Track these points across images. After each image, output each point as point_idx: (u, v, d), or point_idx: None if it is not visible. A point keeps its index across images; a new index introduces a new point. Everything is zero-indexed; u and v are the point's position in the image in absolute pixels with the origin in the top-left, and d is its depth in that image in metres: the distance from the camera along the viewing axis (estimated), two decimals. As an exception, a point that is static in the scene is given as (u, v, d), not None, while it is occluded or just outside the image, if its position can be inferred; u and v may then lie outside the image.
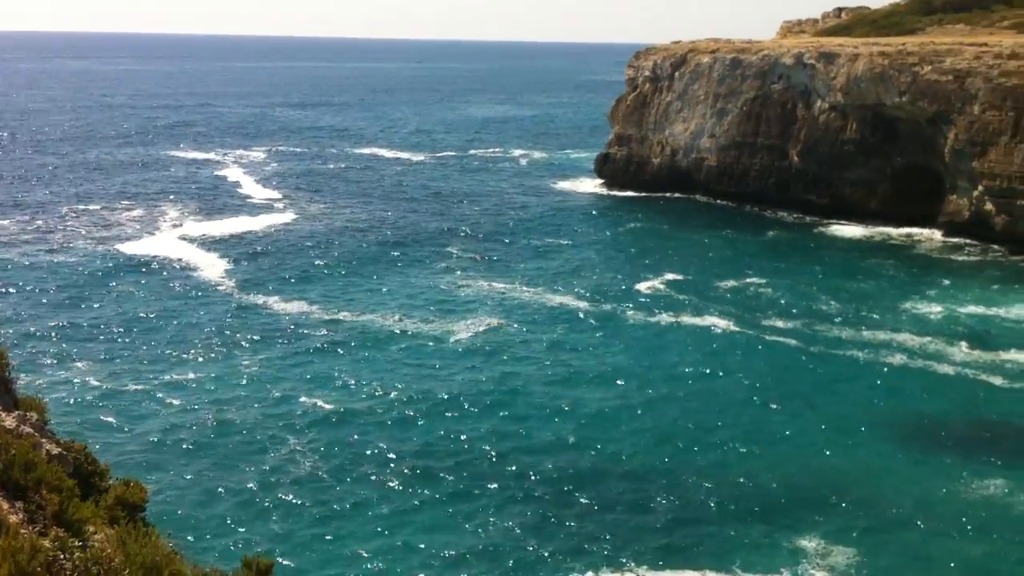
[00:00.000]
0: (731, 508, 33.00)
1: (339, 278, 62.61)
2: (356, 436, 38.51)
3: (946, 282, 62.61)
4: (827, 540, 30.86)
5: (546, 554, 30.21)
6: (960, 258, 69.92)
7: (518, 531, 31.53)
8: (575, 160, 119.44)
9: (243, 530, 31.27)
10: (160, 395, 42.06)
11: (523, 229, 79.15)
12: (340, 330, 51.86)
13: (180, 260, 65.79)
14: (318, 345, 49.41)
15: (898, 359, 47.77)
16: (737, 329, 52.44)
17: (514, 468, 35.93)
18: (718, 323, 53.47)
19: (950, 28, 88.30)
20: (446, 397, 42.63)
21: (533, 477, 35.25)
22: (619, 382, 44.80)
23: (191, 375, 44.48)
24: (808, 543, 30.75)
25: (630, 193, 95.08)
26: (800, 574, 29.16)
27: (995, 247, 71.03)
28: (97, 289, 58.09)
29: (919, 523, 32.15)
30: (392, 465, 36.04)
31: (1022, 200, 69.69)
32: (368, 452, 37.06)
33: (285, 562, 28.87)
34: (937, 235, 75.57)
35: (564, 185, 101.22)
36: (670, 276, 63.68)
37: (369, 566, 29.49)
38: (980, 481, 35.03)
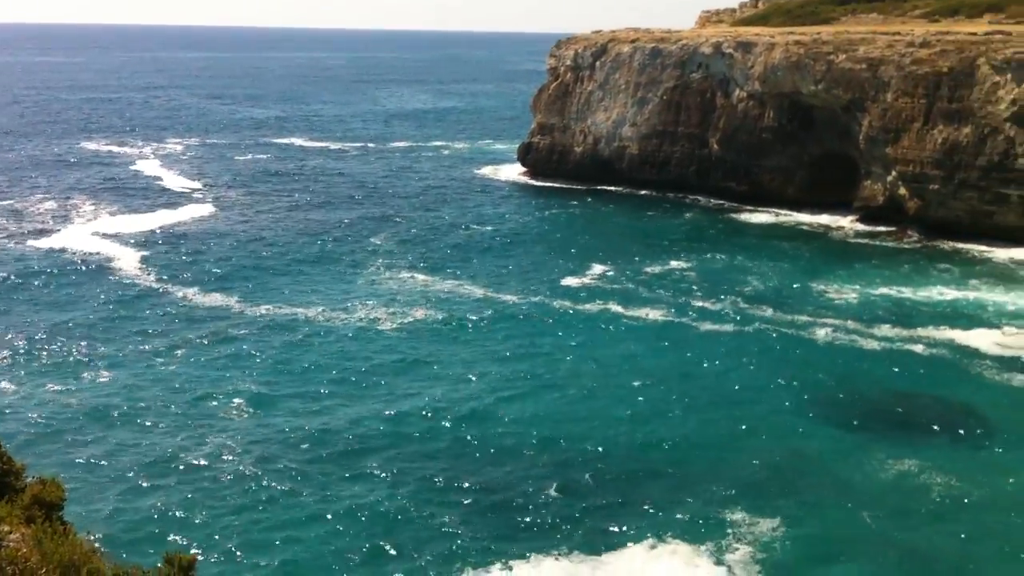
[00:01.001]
0: (660, 487, 33.48)
1: (261, 269, 61.83)
2: (277, 429, 38.08)
3: (862, 265, 64.14)
4: (752, 513, 31.55)
5: (477, 541, 30.25)
6: (875, 242, 71.63)
7: (446, 520, 31.52)
8: (499, 150, 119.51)
9: (164, 526, 30.78)
10: (75, 392, 41.15)
11: (446, 219, 79.02)
12: (262, 322, 51.30)
13: (96, 254, 64.35)
14: (240, 338, 48.80)
15: (819, 340, 48.85)
16: (663, 314, 53.05)
17: (441, 459, 35.88)
18: (645, 309, 54.00)
19: (864, 17, 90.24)
20: (369, 388, 42.41)
21: (462, 467, 35.24)
22: (547, 369, 45.01)
23: (108, 371, 43.58)
24: (734, 516, 31.40)
25: (553, 182, 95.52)
26: (726, 546, 29.76)
27: (908, 231, 72.86)
28: (7, 286, 56.57)
29: (839, 495, 33.02)
30: (313, 457, 35.74)
31: (934, 185, 71.59)
32: (289, 445, 36.69)
33: (207, 557, 28.50)
34: (852, 220, 77.24)
35: (488, 175, 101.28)
36: (595, 264, 64.13)
37: (292, 557, 29.26)
38: (897, 454, 36.07)
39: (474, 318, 52.54)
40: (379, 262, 64.20)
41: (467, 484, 33.88)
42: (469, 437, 37.64)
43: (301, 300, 55.42)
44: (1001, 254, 66.52)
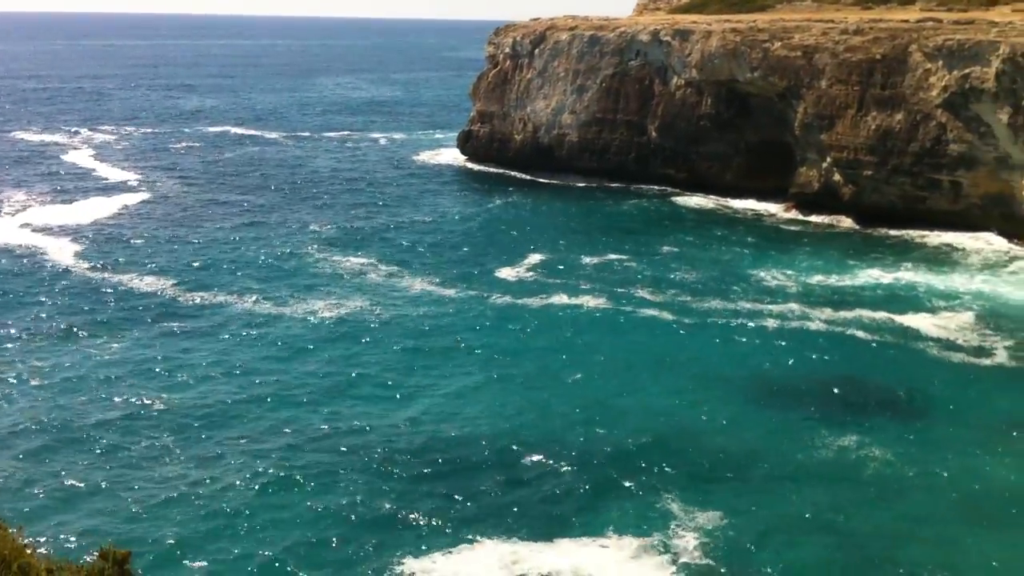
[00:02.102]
0: (602, 477, 33.51)
1: (195, 258, 60.84)
2: (212, 422, 37.58)
3: (799, 251, 64.96)
4: (695, 501, 31.72)
5: (418, 529, 30.13)
6: (809, 228, 72.57)
7: (385, 509, 31.37)
8: (438, 136, 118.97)
9: (98, 520, 30.20)
10: (4, 384, 40.19)
11: (384, 208, 78.49)
12: (195, 311, 50.71)
13: (25, 246, 62.85)
14: (173, 326, 48.16)
15: (759, 326, 49.28)
16: (603, 302, 53.15)
17: (375, 450, 35.63)
18: (585, 297, 54.05)
19: (799, 5, 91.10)
20: (306, 381, 41.96)
21: (398, 458, 35.01)
22: (486, 360, 44.84)
23: (38, 362, 42.63)
24: (676, 505, 31.55)
25: (493, 170, 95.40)
26: (669, 535, 29.87)
27: (843, 216, 73.95)
28: (-65, 278, 55.04)
29: (781, 479, 33.41)
30: (250, 449, 35.33)
31: (868, 171, 72.70)
32: (225, 438, 36.23)
33: (141, 551, 28.00)
34: (787, 206, 78.11)
35: (427, 163, 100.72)
36: (534, 253, 64.07)
37: (230, 550, 28.90)
38: (840, 436, 36.57)
39: (411, 308, 52.25)
40: (315, 252, 63.55)
41: (405, 475, 33.69)
42: (407, 429, 37.39)
43: (237, 289, 54.70)
44: (933, 239, 67.80)
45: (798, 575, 28.18)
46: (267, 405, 39.35)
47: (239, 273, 58.17)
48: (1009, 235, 66.69)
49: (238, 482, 32.89)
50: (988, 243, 66.11)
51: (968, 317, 50.75)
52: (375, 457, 34.93)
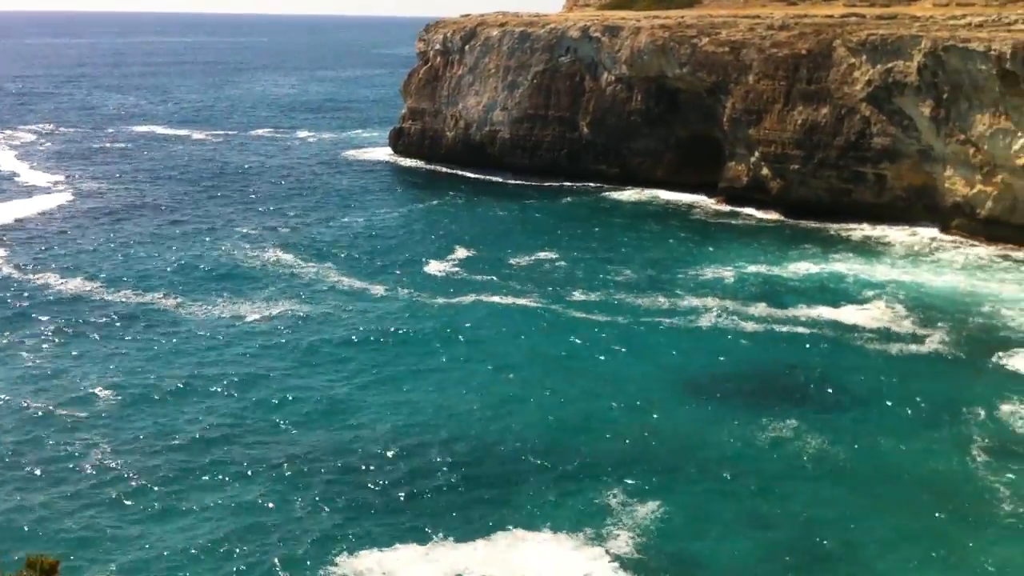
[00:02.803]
0: (539, 474, 33.48)
1: (118, 260, 59.62)
2: (135, 425, 36.89)
3: (729, 245, 65.66)
4: (631, 494, 31.85)
5: (345, 536, 29.78)
6: (739, 222, 73.46)
7: (310, 511, 31.07)
8: (369, 134, 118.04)
9: (25, 528, 29.48)
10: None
11: (314, 206, 77.72)
12: (123, 312, 49.79)
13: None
14: (100, 328, 47.28)
15: (692, 321, 49.60)
16: (535, 299, 53.12)
17: (305, 449, 35.32)
18: (516, 294, 53.99)
19: (725, 1, 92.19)
20: (228, 381, 41.36)
21: (326, 459, 34.70)
22: (416, 359, 44.46)
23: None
24: (613, 499, 31.64)
25: (425, 167, 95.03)
26: (607, 529, 29.96)
27: (771, 210, 74.96)
28: None
29: (718, 470, 33.67)
30: (170, 453, 34.84)
31: (795, 165, 73.80)
32: (146, 441, 35.67)
33: (70, 559, 27.36)
34: (717, 200, 78.98)
35: (358, 160, 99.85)
36: (466, 249, 63.88)
37: (154, 555, 28.41)
38: (775, 426, 36.95)
39: (339, 305, 51.85)
40: (242, 251, 62.66)
41: (331, 476, 33.39)
42: (332, 428, 37.05)
43: (162, 290, 53.79)
44: (860, 231, 69.03)
45: (734, 564, 28.42)
46: (189, 403, 38.81)
47: (163, 274, 57.13)
48: (932, 226, 68.18)
49: (155, 484, 32.37)
50: (912, 234, 67.51)
51: (895, 306, 51.76)
52: (304, 458, 34.52)
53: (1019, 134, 62.00)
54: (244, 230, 68.62)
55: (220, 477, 33.11)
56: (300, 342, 46.31)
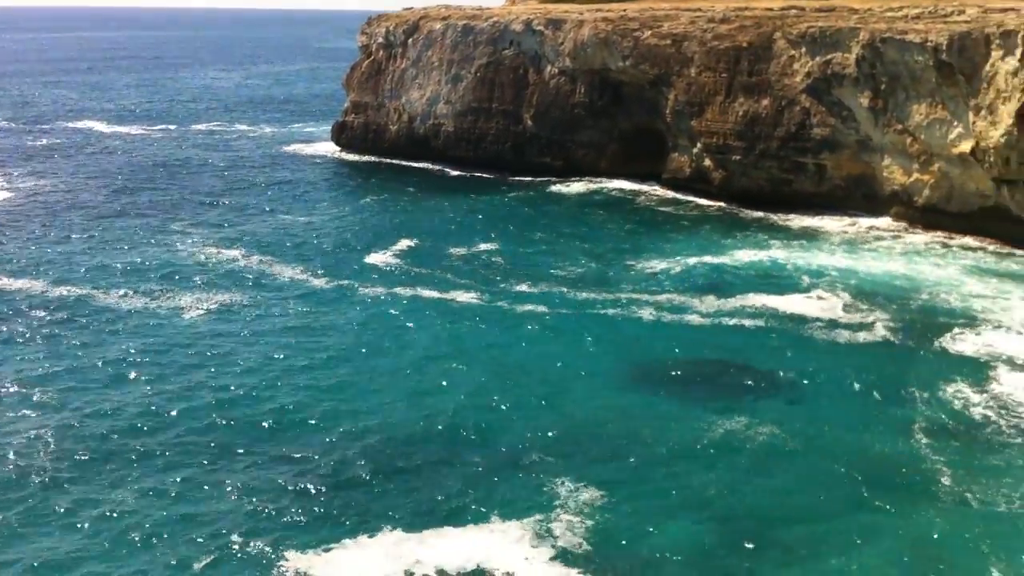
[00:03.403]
0: (486, 466, 33.37)
1: (60, 256, 58.47)
2: (71, 419, 36.40)
3: (674, 236, 65.99)
4: (579, 487, 31.79)
5: (292, 527, 29.55)
6: (683, 211, 73.88)
7: (246, 505, 30.78)
8: (311, 128, 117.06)
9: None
10: None
11: (254, 200, 76.87)
12: (63, 308, 48.93)
13: None
14: (40, 323, 46.41)
15: (638, 313, 49.59)
16: (479, 293, 52.95)
17: (237, 442, 35.07)
18: (459, 289, 53.69)
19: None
20: (169, 373, 41.04)
21: (269, 452, 34.42)
22: (356, 352, 44.07)
23: None
24: (561, 490, 31.60)
25: (368, 160, 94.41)
26: (554, 520, 29.94)
27: (714, 201, 75.57)
28: None
29: (667, 462, 33.71)
30: (108, 447, 34.49)
31: (736, 156, 74.44)
32: (84, 436, 35.28)
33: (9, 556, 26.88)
34: (662, 191, 79.50)
35: (300, 155, 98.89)
36: (408, 244, 63.44)
37: (91, 552, 28.04)
38: (724, 416, 37.03)
39: (281, 298, 51.45)
40: (183, 246, 61.89)
41: (272, 468, 33.13)
42: (268, 421, 36.75)
43: (101, 285, 52.99)
44: (801, 221, 69.72)
45: (680, 552, 28.51)
46: (122, 394, 38.38)
47: (101, 270, 56.27)
48: (871, 214, 69.18)
49: (93, 479, 31.94)
50: (852, 223, 68.39)
51: (838, 294, 52.34)
52: (235, 451, 34.24)
53: (955, 124, 63.10)
54: (185, 226, 67.71)
55: (149, 470, 32.79)
56: (237, 334, 45.96)
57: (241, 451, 34.36)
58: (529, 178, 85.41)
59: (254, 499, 31.16)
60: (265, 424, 36.52)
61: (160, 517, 30.01)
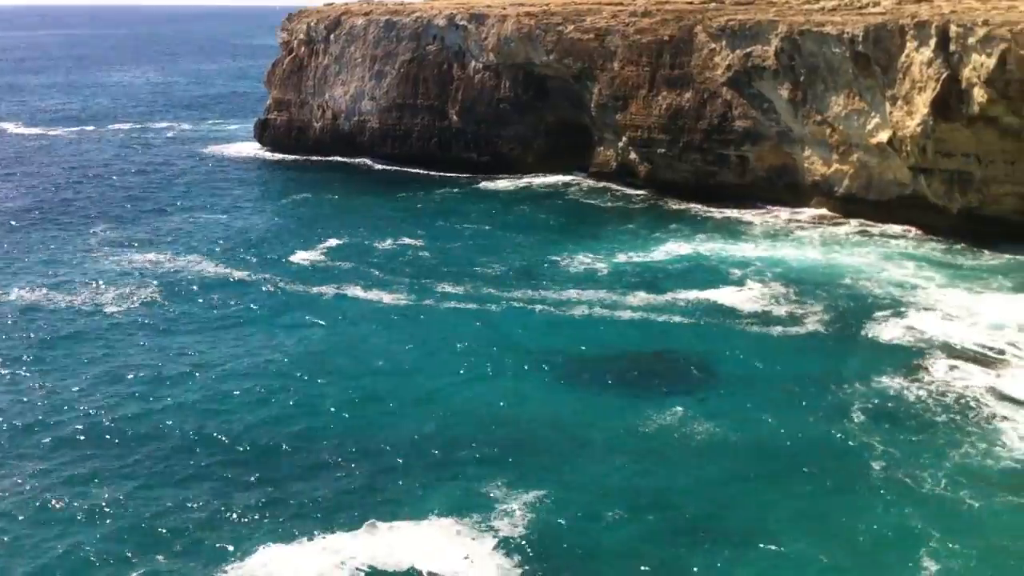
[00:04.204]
0: (422, 464, 33.21)
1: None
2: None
3: (601, 230, 66.19)
4: (515, 483, 31.79)
5: (223, 529, 29.20)
6: (610, 204, 74.27)
7: (180, 510, 30.38)
8: (232, 126, 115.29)
9: None
10: None
11: (177, 200, 75.57)
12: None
13: None
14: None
15: (567, 309, 49.54)
16: (406, 291, 52.48)
17: (164, 444, 34.66)
18: (384, 287, 53.15)
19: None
20: (90, 371, 40.57)
21: (197, 450, 34.10)
22: (282, 352, 43.61)
23: None
24: (497, 487, 31.56)
25: (293, 158, 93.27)
26: (491, 515, 29.91)
27: (640, 193, 76.16)
28: None
29: (603, 456, 33.84)
30: (36, 452, 33.87)
31: (661, 149, 75.10)
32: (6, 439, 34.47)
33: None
34: (589, 184, 79.89)
35: (222, 154, 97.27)
36: (334, 240, 62.86)
37: (41, 561, 27.17)
38: (656, 409, 37.18)
39: (200, 298, 50.83)
40: (103, 247, 60.80)
41: (205, 471, 32.76)
42: (194, 422, 36.28)
43: (18, 286, 51.92)
44: (726, 212, 70.52)
45: (618, 545, 28.66)
46: (46, 398, 37.74)
47: (18, 270, 55.04)
48: (793, 205, 70.31)
49: (22, 487, 31.07)
50: (775, 214, 69.38)
51: (764, 285, 52.99)
52: (163, 454, 33.74)
53: (872, 114, 64.40)
54: (104, 226, 66.32)
55: (65, 474, 32.26)
56: (157, 332, 45.50)
57: (163, 453, 33.71)
58: (456, 174, 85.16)
59: (182, 504, 30.57)
60: (183, 425, 35.85)
61: (77, 531, 29.26)
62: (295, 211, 73.12)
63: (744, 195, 72.27)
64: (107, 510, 30.30)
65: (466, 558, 27.90)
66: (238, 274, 55.44)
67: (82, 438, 34.94)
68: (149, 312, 48.37)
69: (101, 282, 53.20)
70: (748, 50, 70.40)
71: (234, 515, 30.05)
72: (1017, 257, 56.47)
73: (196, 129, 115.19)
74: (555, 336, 46.12)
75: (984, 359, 42.08)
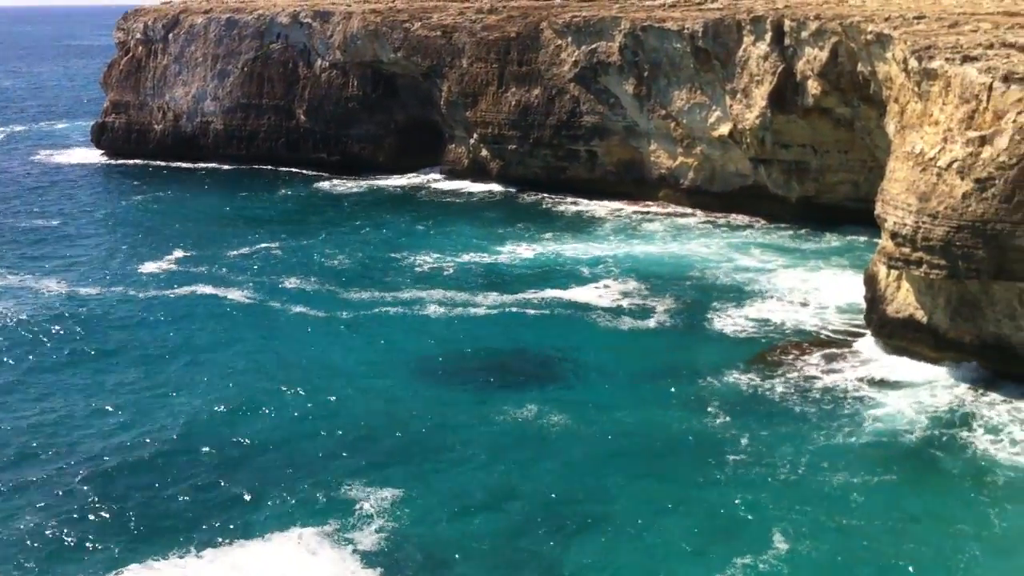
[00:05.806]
0: (274, 474, 32.31)
1: None
2: None
3: (453, 227, 65.99)
4: (373, 487, 31.25)
5: (68, 555, 27.87)
6: (462, 201, 74.19)
7: (28, 532, 28.80)
8: (67, 132, 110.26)
9: None
10: None
11: (11, 211, 71.76)
12: None
13: None
14: None
15: (420, 309, 49.03)
16: (251, 295, 51.13)
17: (16, 466, 32.79)
18: (232, 291, 51.73)
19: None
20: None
21: (41, 475, 32.32)
22: (131, 361, 42.09)
23: None
24: (355, 492, 30.96)
25: (135, 162, 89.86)
26: (351, 523, 29.28)
27: (492, 189, 76.42)
28: None
29: (461, 455, 33.60)
30: None
31: (512, 145, 75.45)
32: None
33: None
34: (441, 183, 79.65)
35: (57, 159, 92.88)
36: (178, 248, 60.68)
37: None
38: (513, 406, 37.09)
39: (47, 311, 48.43)
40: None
41: (54, 491, 31.21)
42: (43, 441, 34.67)
43: None
44: (576, 207, 71.36)
45: (483, 544, 28.45)
46: None
47: None
48: (642, 198, 71.71)
49: None
50: (623, 208, 70.47)
51: (615, 279, 53.63)
52: (13, 476, 31.90)
53: (714, 108, 66.16)
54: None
55: None
56: (10, 351, 43.12)
57: (13, 476, 31.89)
58: (306, 173, 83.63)
59: (31, 526, 28.96)
60: (34, 443, 34.05)
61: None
62: (138, 217, 70.54)
63: (594, 189, 73.29)
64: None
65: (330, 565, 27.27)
66: (80, 284, 53.05)
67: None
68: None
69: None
70: (593, 46, 71.33)
71: (87, 542, 28.58)
72: (858, 238, 58.67)
73: (28, 133, 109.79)
74: (408, 335, 45.55)
75: (831, 341, 43.61)
